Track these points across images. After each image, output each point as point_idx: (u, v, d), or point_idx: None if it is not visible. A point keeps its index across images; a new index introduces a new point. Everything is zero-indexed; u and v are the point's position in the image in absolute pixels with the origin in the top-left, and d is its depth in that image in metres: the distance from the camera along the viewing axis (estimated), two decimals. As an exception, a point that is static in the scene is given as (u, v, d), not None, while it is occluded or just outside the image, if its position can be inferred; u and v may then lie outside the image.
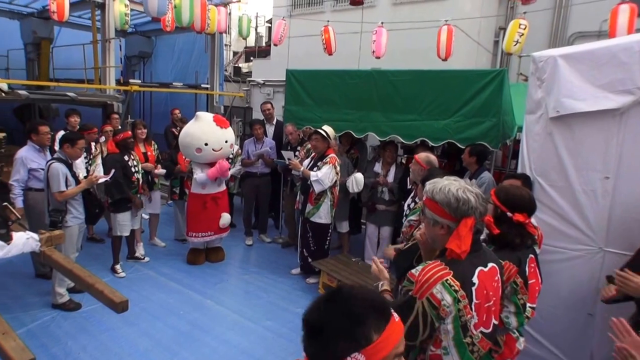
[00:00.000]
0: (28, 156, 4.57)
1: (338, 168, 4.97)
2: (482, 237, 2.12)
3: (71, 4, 6.63)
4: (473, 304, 1.75)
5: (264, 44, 13.62)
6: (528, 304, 2.32)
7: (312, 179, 4.81)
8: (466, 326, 1.75)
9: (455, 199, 1.72)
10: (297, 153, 5.62)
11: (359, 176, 5.13)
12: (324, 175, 4.81)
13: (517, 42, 5.90)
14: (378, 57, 6.92)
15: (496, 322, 1.88)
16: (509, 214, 2.30)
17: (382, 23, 6.83)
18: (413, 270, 1.79)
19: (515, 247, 2.29)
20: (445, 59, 6.34)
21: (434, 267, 1.74)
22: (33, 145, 4.63)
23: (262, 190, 6.35)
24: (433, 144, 4.74)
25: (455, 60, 6.57)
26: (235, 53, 14.20)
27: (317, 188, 4.85)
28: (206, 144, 5.13)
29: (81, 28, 11.04)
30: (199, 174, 5.27)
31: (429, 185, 1.85)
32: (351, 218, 5.88)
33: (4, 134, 3.01)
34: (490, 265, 1.84)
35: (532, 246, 2.41)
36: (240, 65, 13.39)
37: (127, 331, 4.00)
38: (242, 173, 6.41)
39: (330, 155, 4.96)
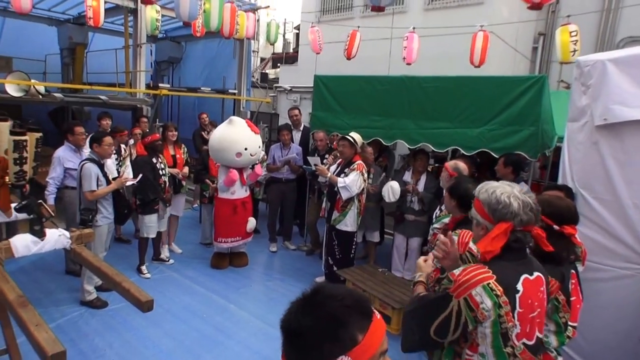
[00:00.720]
0: (64, 156, 4.78)
1: (365, 175, 4.85)
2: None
3: (105, 10, 6.75)
4: (516, 312, 1.69)
5: (291, 50, 13.59)
6: (569, 323, 2.19)
7: (339, 185, 4.68)
8: (507, 334, 1.70)
9: (497, 201, 1.71)
10: (324, 160, 5.50)
11: (395, 185, 4.95)
12: (352, 182, 4.68)
13: (575, 50, 5.61)
14: (409, 64, 6.75)
15: (540, 335, 1.80)
16: (555, 227, 2.15)
17: (413, 28, 6.65)
18: (455, 270, 1.78)
19: (560, 262, 2.16)
20: (478, 66, 6.11)
21: (476, 268, 1.71)
22: (69, 146, 4.83)
23: (287, 196, 6.26)
24: (466, 153, 4.53)
25: (490, 67, 6.34)
26: (262, 59, 14.23)
27: (344, 195, 4.72)
28: (246, 149, 5.10)
29: (114, 34, 11.24)
30: (220, 179, 5.29)
31: (480, 185, 1.85)
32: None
33: (40, 134, 3.20)
34: (536, 274, 1.77)
35: (574, 262, 2.30)
36: (267, 71, 13.43)
37: (152, 331, 4.03)
38: (267, 179, 6.32)
39: (357, 162, 4.84)
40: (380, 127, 5.17)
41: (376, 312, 1.02)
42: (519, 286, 1.70)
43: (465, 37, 6.48)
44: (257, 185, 6.34)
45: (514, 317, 1.69)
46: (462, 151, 4.53)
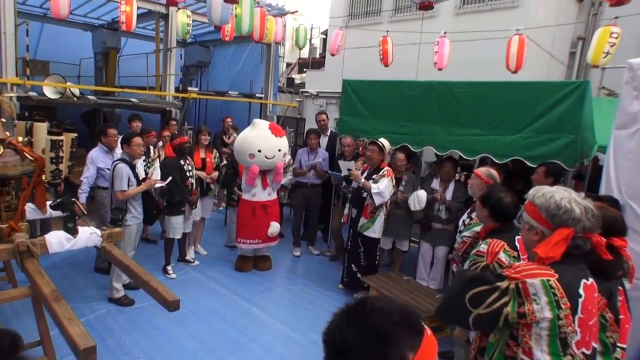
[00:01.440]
0: (97, 156, 4.92)
1: (394, 181, 4.72)
2: None
3: (138, 16, 6.86)
4: (577, 317, 1.61)
5: (317, 56, 13.62)
6: (618, 344, 2.00)
7: (373, 191, 4.56)
8: (566, 340, 1.60)
9: (557, 206, 1.63)
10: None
11: (421, 193, 4.80)
12: (385, 188, 4.57)
13: (608, 53, 5.29)
14: (440, 69, 6.57)
15: (595, 345, 1.70)
16: (602, 239, 1.97)
17: (445, 33, 6.47)
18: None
19: (608, 276, 1.99)
20: (515, 71, 5.88)
21: (537, 265, 1.66)
22: (102, 147, 4.96)
23: (312, 201, 6.17)
24: (497, 161, 4.33)
25: (524, 73, 6.09)
26: (288, 64, 14.25)
27: (377, 201, 4.60)
28: (259, 151, 5.06)
29: (145, 38, 11.45)
30: (243, 179, 5.30)
31: (533, 189, 1.78)
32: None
33: (75, 135, 3.32)
34: (591, 280, 1.69)
35: (622, 277, 2.13)
36: (293, 76, 13.44)
37: (176, 331, 4.03)
38: (292, 183, 6.25)
39: (386, 168, 4.73)
40: (409, 133, 5.05)
41: (427, 328, 0.95)
42: (581, 291, 1.63)
43: (497, 41, 6.27)
44: (282, 190, 6.25)
45: (574, 322, 1.60)
46: (493, 159, 4.34)
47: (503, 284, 1.63)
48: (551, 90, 3.96)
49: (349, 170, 4.82)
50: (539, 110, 4.00)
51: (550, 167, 3.80)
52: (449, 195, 4.86)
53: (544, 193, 1.70)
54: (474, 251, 2.66)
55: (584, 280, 1.66)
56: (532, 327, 1.61)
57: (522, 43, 5.77)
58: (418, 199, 4.77)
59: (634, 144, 2.84)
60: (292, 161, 6.20)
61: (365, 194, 4.74)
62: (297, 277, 5.57)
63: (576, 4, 7.20)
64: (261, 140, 5.08)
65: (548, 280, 1.58)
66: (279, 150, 5.19)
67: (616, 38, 5.26)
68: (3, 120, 3.39)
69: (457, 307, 1.75)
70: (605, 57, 5.32)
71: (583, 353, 1.63)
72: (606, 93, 6.24)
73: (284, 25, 8.18)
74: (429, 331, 0.94)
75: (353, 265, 4.93)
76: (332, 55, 8.02)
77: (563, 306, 1.58)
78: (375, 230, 4.77)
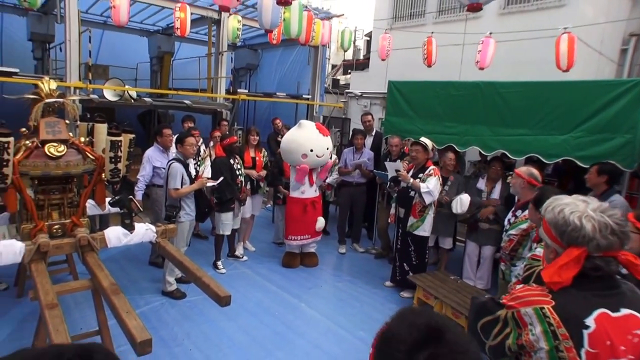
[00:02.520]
0: (153, 155, 5.09)
1: (441, 180, 4.72)
2: None
3: (191, 21, 7.05)
4: (584, 350, 1.35)
5: (361, 57, 13.62)
6: None
7: (422, 190, 4.55)
8: None
9: (565, 222, 1.40)
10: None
11: (465, 198, 4.76)
12: (434, 186, 4.57)
13: None
14: (482, 69, 6.46)
15: None
16: None
17: (490, 33, 6.35)
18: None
19: None
20: (567, 70, 5.69)
21: (537, 289, 1.48)
22: (158, 147, 5.15)
23: (357, 199, 6.22)
24: (546, 161, 4.24)
25: (572, 72, 5.88)
26: (333, 66, 14.36)
27: (427, 200, 4.60)
28: (312, 150, 5.18)
29: (198, 43, 11.82)
30: (292, 178, 5.44)
31: (547, 202, 1.54)
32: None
33: (133, 135, 3.49)
34: (626, 311, 1.37)
35: None
36: (338, 77, 13.54)
37: (227, 325, 4.10)
38: (338, 182, 6.32)
39: (432, 167, 4.72)
40: (455, 133, 5.03)
41: None
42: (589, 321, 1.36)
43: (542, 41, 6.10)
44: (328, 188, 6.35)
45: (579, 356, 1.36)
46: (542, 159, 4.25)
47: (502, 313, 1.51)
48: (604, 90, 3.84)
49: (396, 171, 4.82)
50: (592, 110, 3.90)
51: (603, 166, 3.65)
52: (495, 194, 4.79)
53: (554, 207, 1.48)
54: (529, 254, 2.55)
55: (602, 310, 1.38)
56: (533, 355, 1.45)
57: (572, 41, 5.58)
58: (461, 202, 4.73)
59: None
60: (337, 160, 6.28)
61: (413, 194, 4.74)
62: (343, 274, 5.60)
63: (629, 0, 6.86)
64: (311, 141, 5.20)
65: (542, 308, 1.41)
66: (327, 149, 5.31)
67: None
68: (67, 121, 3.50)
69: (476, 336, 1.61)
70: None
71: None
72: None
73: (330, 28, 8.25)
74: None
75: (405, 264, 4.93)
76: (383, 60, 8.03)
77: (561, 337, 1.38)
78: (425, 229, 4.77)
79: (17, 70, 6.51)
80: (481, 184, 4.95)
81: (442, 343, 0.83)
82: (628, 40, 7.10)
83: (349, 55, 12.71)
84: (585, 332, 1.35)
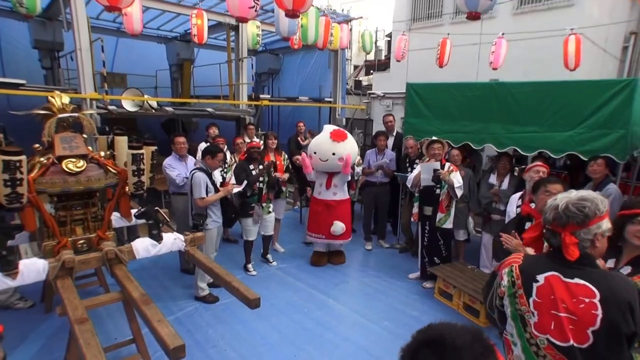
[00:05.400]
0: (171, 164, 5.44)
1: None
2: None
3: (209, 27, 7.37)
4: (532, 299, 1.93)
5: (383, 57, 14.12)
6: None
7: (456, 185, 5.13)
8: (524, 319, 1.96)
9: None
10: (414, 166, 6.00)
11: (470, 222, 5.58)
12: (461, 181, 5.19)
13: None
14: (495, 69, 7.10)
15: (579, 345, 1.84)
16: None
17: (502, 34, 7.00)
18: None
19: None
20: (574, 69, 6.31)
21: (516, 254, 2.14)
22: (175, 155, 5.50)
23: (380, 198, 6.91)
24: (553, 156, 4.91)
25: (580, 69, 6.51)
26: (355, 67, 14.85)
27: (459, 193, 5.21)
28: (315, 153, 5.80)
29: (217, 49, 12.27)
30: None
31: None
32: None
33: (155, 147, 3.62)
34: (579, 281, 1.85)
35: None
36: (360, 78, 14.06)
37: (258, 324, 4.53)
38: (362, 182, 6.98)
39: (449, 164, 5.33)
40: (470, 132, 5.63)
41: (491, 341, 1.08)
42: (540, 277, 1.93)
43: (554, 40, 6.71)
44: (353, 188, 6.99)
45: (528, 303, 1.94)
46: (550, 154, 4.90)
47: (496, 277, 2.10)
48: (602, 88, 4.46)
49: (435, 170, 5.25)
50: (592, 108, 4.52)
51: (606, 159, 4.35)
52: (505, 187, 5.43)
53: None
54: None
55: (554, 273, 1.91)
56: (504, 303, 2.04)
57: (579, 42, 6.20)
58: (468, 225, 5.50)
59: None
60: (361, 160, 6.92)
61: (438, 191, 5.34)
62: (369, 269, 6.18)
63: (629, 1, 7.55)
64: (317, 145, 5.85)
65: (512, 267, 2.04)
66: (333, 154, 5.71)
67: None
68: (84, 136, 3.55)
69: (484, 301, 2.28)
70: None
71: (549, 341, 1.89)
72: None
73: (350, 30, 8.71)
74: (492, 341, 1.07)
75: (435, 258, 5.55)
76: (398, 61, 8.65)
77: (516, 287, 1.98)
78: (451, 222, 5.41)
79: (24, 81, 6.53)
80: (492, 178, 5.63)
81: (439, 343, 1.01)
82: (629, 38, 7.73)
83: (370, 55, 13.27)
84: (535, 285, 1.93)
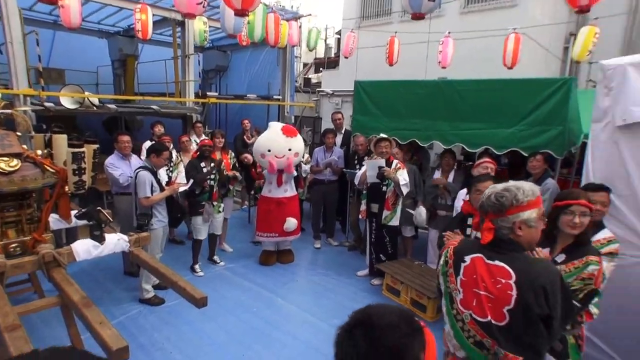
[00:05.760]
0: (113, 163, 5.20)
1: None
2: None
3: (153, 23, 7.16)
4: (459, 278, 2.14)
5: (333, 55, 14.25)
6: None
7: (402, 183, 5.16)
8: (452, 296, 2.18)
9: None
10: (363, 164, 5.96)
11: (423, 211, 5.58)
12: (408, 178, 5.22)
13: (590, 51, 6.08)
14: (444, 67, 7.27)
15: (497, 322, 2.00)
16: None
17: (449, 33, 7.16)
18: None
19: None
20: (511, 67, 6.57)
21: (458, 239, 2.42)
22: (117, 153, 5.29)
23: (329, 196, 6.91)
24: (497, 152, 5.03)
25: (524, 68, 6.74)
26: (305, 64, 14.91)
27: (405, 191, 5.23)
28: (269, 150, 5.68)
29: (163, 44, 12.00)
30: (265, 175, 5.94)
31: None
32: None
33: (97, 146, 3.48)
34: (499, 263, 2.02)
35: None
36: (310, 76, 14.12)
37: (206, 325, 4.46)
38: (310, 180, 6.96)
39: (396, 161, 5.35)
40: (417, 129, 5.70)
41: (421, 322, 1.13)
42: (467, 258, 2.13)
43: (500, 39, 6.92)
44: (301, 186, 6.91)
45: (456, 281, 2.15)
46: (494, 150, 5.02)
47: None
48: (542, 87, 4.62)
49: (380, 167, 5.25)
50: (532, 105, 4.67)
51: (545, 155, 4.55)
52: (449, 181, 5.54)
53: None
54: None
55: (479, 255, 2.09)
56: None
57: (518, 41, 6.46)
58: (419, 215, 5.57)
59: (605, 135, 3.44)
60: (309, 158, 6.89)
61: (385, 188, 5.35)
62: (317, 268, 6.18)
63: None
64: (270, 141, 5.72)
65: (449, 248, 2.26)
66: (289, 150, 5.72)
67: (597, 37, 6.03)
68: (18, 134, 3.45)
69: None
70: (589, 54, 6.12)
71: (472, 316, 2.08)
72: (593, 85, 6.92)
73: (299, 27, 8.66)
74: (422, 322, 1.13)
75: (381, 255, 5.57)
76: (346, 57, 8.71)
77: (448, 266, 2.21)
78: (397, 219, 5.45)
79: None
80: (437, 174, 5.76)
81: (367, 324, 1.08)
82: (569, 39, 8.11)
83: (320, 53, 13.32)
84: (462, 265, 2.13)
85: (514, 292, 1.95)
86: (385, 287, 5.37)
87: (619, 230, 3.28)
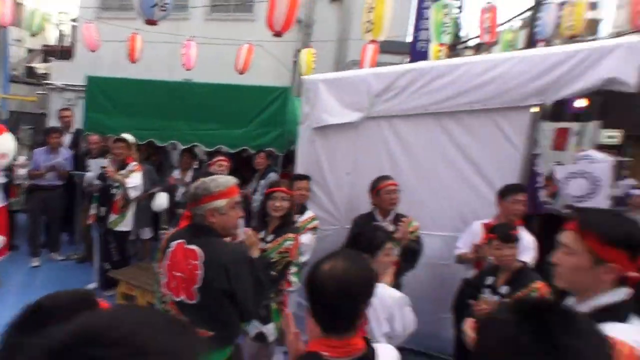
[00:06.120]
0: None
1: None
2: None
3: None
4: (165, 263, 2.32)
5: (68, 44, 12.81)
6: None
7: (129, 186, 4.95)
8: (159, 280, 2.39)
9: None
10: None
11: (162, 195, 5.42)
12: (138, 181, 5.05)
13: (314, 67, 7.37)
14: (189, 69, 7.38)
15: (189, 301, 2.22)
16: None
17: (193, 37, 7.33)
18: None
19: None
20: (242, 72, 7.22)
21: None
22: None
23: (52, 204, 6.05)
24: (230, 150, 5.40)
25: (264, 76, 7.47)
26: (30, 51, 13.05)
27: (132, 194, 5.03)
28: None
29: None
30: None
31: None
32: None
33: None
34: (193, 247, 2.23)
35: None
36: (35, 65, 12.38)
37: None
38: (28, 186, 6.01)
39: (134, 163, 5.16)
40: (155, 129, 5.62)
41: (99, 299, 1.05)
42: (173, 244, 2.31)
43: (237, 48, 7.51)
44: (14, 195, 5.97)
45: (163, 266, 2.34)
46: (228, 149, 5.39)
47: None
48: (265, 93, 5.22)
49: (102, 168, 5.03)
50: (259, 109, 5.19)
51: (268, 153, 5.26)
52: (188, 179, 5.66)
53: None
54: None
55: (181, 240, 2.28)
56: None
57: (250, 51, 7.25)
58: (159, 199, 5.38)
59: (307, 135, 4.23)
60: (28, 162, 5.95)
61: (114, 191, 5.06)
62: (33, 290, 5.27)
63: (296, 24, 9.42)
64: None
65: (165, 236, 2.49)
66: None
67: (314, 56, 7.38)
68: None
69: None
70: (313, 69, 7.45)
71: (171, 298, 2.27)
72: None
73: (13, 7, 7.58)
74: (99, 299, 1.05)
75: (106, 264, 5.19)
76: (93, 51, 8.09)
77: (161, 253, 2.40)
78: (127, 224, 5.18)
79: None
80: (176, 173, 5.85)
81: (35, 311, 0.98)
82: (296, 53, 9.41)
83: (51, 39, 11.86)
84: (169, 250, 2.32)
85: (201, 272, 2.18)
86: (119, 296, 4.98)
87: (318, 211, 4.12)
